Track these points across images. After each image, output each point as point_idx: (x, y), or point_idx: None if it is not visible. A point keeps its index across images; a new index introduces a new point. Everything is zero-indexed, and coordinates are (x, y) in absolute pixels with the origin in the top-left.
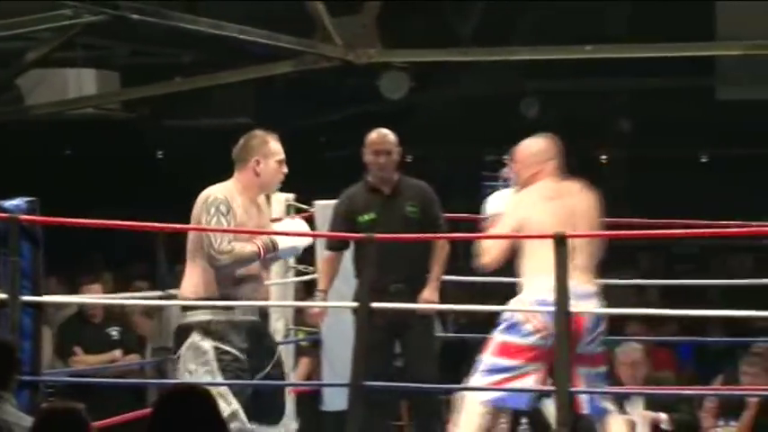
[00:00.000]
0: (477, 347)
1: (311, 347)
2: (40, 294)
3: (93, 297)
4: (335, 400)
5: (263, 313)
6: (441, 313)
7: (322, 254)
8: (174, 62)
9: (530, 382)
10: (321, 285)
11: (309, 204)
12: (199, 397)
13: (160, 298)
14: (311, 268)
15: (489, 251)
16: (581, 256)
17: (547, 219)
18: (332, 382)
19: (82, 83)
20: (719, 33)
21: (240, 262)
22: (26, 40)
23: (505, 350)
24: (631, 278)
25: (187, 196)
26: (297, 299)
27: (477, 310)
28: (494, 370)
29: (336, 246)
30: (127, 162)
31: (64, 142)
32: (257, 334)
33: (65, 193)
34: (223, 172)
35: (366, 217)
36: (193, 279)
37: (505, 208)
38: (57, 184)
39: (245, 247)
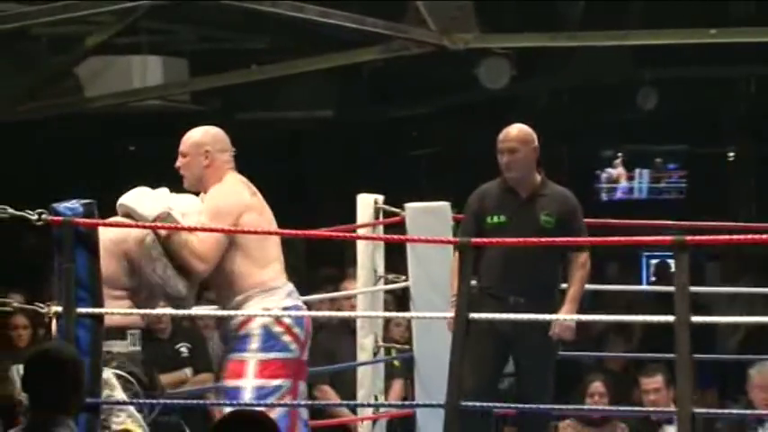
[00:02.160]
0: (588, 368)
1: (404, 368)
2: (98, 305)
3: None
4: (431, 425)
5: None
6: None
7: (453, 256)
8: (249, 49)
9: (287, 401)
10: (453, 290)
11: (400, 207)
12: (260, 425)
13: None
14: (402, 277)
15: (209, 256)
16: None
17: (266, 218)
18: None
19: (147, 71)
20: None
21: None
22: (85, 24)
23: (269, 369)
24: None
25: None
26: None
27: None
28: (265, 395)
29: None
30: None
31: (127, 137)
32: (142, 364)
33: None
34: (304, 170)
35: (495, 219)
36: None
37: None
38: (118, 185)
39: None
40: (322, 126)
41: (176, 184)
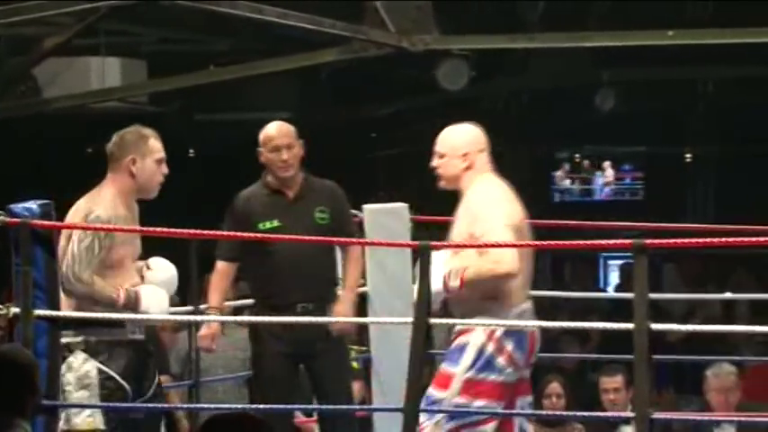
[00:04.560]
0: (549, 368)
1: (362, 370)
2: (56, 308)
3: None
4: (387, 427)
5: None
6: None
7: (216, 265)
8: (208, 50)
9: (491, 427)
10: (212, 302)
11: (358, 209)
12: (251, 427)
13: (191, 313)
14: (361, 280)
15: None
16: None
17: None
18: (382, 406)
19: (105, 73)
20: None
21: (93, 299)
22: (44, 25)
23: (474, 389)
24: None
25: (223, 199)
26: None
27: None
28: (463, 414)
29: (231, 255)
30: None
31: (85, 139)
32: (142, 355)
33: (85, 195)
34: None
35: (268, 224)
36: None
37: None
38: (76, 186)
39: (105, 289)
40: None
41: None
